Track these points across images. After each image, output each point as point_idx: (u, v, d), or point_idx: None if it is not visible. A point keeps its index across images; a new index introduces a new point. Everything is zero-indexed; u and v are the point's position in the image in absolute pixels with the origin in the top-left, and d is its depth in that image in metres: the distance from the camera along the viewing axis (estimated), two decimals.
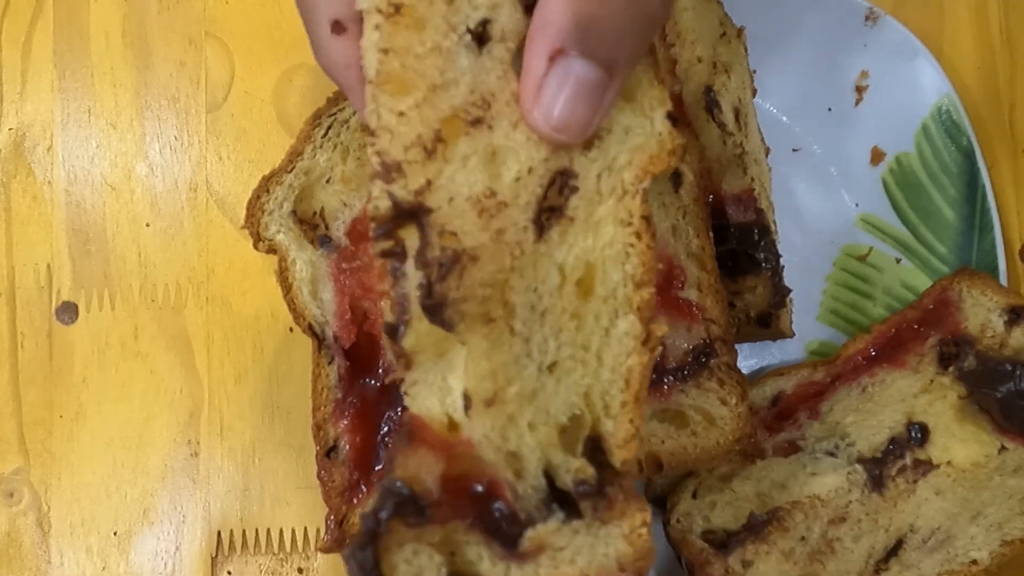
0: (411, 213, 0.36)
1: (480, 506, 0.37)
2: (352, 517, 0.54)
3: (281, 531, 0.68)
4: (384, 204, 0.36)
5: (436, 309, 0.36)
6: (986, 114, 0.69)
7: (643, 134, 0.39)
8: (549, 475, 0.38)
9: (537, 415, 0.38)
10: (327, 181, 0.56)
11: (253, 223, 0.56)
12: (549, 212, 0.38)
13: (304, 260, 0.55)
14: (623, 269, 0.38)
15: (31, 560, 0.68)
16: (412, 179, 0.36)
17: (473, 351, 0.37)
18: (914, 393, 0.60)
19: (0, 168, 0.72)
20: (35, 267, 0.71)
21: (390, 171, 0.36)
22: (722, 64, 0.59)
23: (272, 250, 0.56)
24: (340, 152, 0.56)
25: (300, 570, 0.68)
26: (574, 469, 0.38)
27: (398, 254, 0.37)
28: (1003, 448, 0.58)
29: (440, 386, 0.38)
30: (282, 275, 0.56)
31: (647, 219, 0.38)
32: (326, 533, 0.54)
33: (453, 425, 0.37)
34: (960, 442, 0.59)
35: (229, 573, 0.68)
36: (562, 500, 0.37)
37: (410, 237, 0.37)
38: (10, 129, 0.72)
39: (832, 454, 0.60)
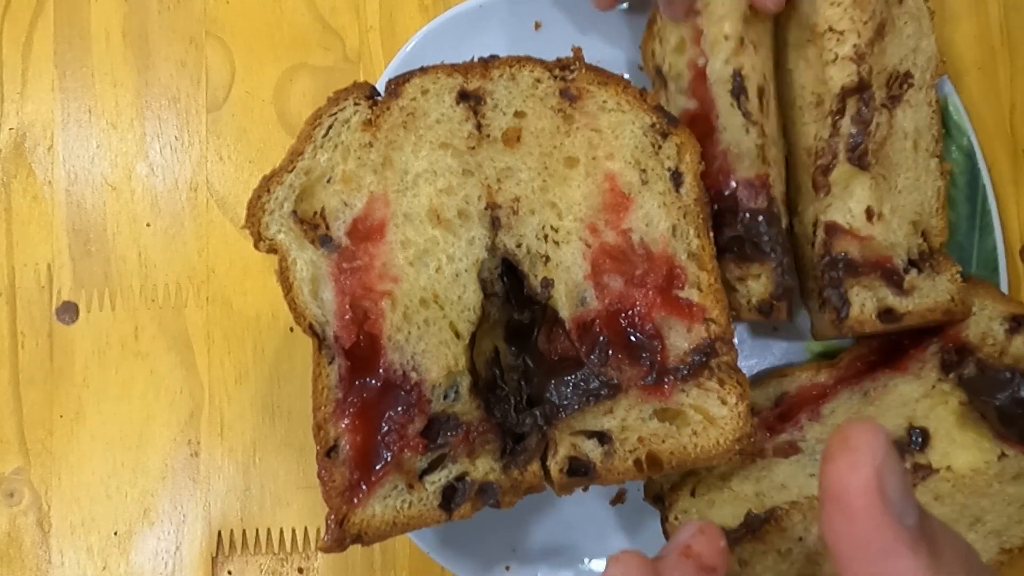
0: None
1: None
2: (352, 517, 0.54)
3: (281, 531, 0.68)
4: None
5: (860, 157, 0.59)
6: (986, 114, 0.69)
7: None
8: (910, 252, 0.60)
9: (900, 221, 0.60)
10: (328, 181, 0.56)
11: (254, 223, 0.56)
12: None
13: (305, 260, 0.55)
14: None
15: (31, 560, 0.68)
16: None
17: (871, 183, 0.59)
18: (915, 398, 0.60)
19: (0, 168, 0.72)
20: (35, 267, 0.71)
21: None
22: (750, 40, 0.59)
23: (273, 250, 0.56)
24: (341, 152, 0.56)
25: (300, 570, 0.68)
26: (916, 245, 0.60)
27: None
28: (1003, 455, 0.58)
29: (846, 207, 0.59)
30: (283, 275, 0.56)
31: None
32: (326, 533, 0.54)
33: (855, 229, 0.59)
34: (960, 448, 0.58)
35: (229, 573, 0.68)
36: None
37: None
38: (11, 129, 0.72)
39: None
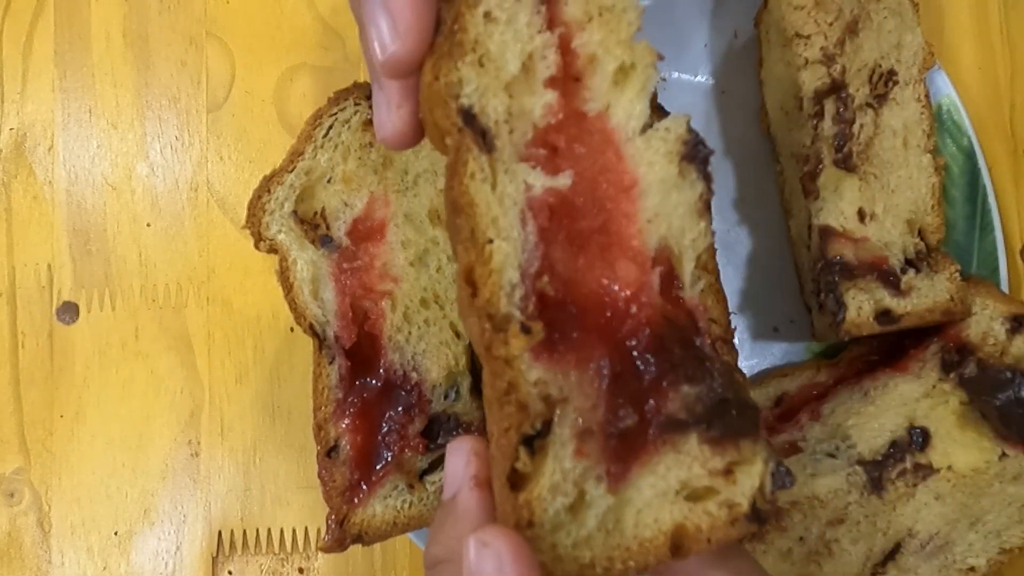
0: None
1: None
2: (353, 517, 0.54)
3: (282, 531, 0.68)
4: None
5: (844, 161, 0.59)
6: (986, 114, 0.69)
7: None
8: (906, 252, 0.60)
9: (895, 220, 0.60)
10: (328, 181, 0.56)
11: (254, 223, 0.56)
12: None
13: (305, 260, 0.55)
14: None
15: (32, 560, 0.68)
16: None
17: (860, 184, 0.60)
18: (916, 398, 0.60)
19: (1, 168, 0.72)
20: (36, 267, 0.71)
21: None
22: None
23: (273, 250, 0.56)
24: (341, 152, 0.56)
25: (301, 570, 0.68)
26: (913, 245, 0.60)
27: None
28: (1003, 455, 0.58)
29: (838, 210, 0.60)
30: (283, 275, 0.56)
31: None
32: (327, 533, 0.54)
33: (849, 231, 0.60)
34: (961, 447, 0.58)
35: (230, 573, 0.68)
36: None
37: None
38: (11, 129, 0.72)
39: (832, 455, 0.60)
